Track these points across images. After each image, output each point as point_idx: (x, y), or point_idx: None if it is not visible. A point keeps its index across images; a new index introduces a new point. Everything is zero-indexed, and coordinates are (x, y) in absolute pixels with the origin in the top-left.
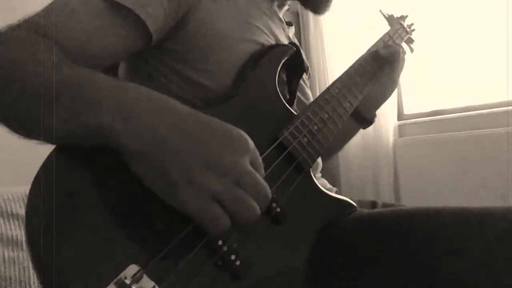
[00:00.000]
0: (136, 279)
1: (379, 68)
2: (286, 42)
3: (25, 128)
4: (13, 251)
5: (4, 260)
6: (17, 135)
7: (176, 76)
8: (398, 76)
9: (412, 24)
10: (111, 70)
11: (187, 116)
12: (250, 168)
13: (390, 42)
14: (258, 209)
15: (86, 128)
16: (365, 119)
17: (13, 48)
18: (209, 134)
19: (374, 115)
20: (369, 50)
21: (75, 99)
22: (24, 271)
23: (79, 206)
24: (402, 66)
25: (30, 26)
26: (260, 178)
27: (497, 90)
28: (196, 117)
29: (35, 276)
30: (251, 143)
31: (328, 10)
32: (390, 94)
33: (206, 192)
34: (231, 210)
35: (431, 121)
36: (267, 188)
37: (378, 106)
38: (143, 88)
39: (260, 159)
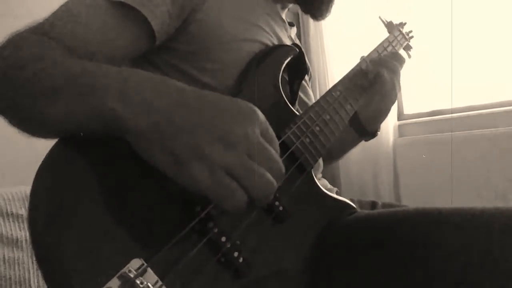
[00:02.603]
0: (140, 272)
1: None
2: (288, 42)
3: (31, 121)
4: (13, 251)
5: (4, 260)
6: (25, 132)
7: (179, 75)
8: (389, 95)
9: (410, 31)
10: None
11: (191, 92)
12: (261, 139)
13: (389, 48)
14: (273, 182)
15: (90, 114)
16: (366, 132)
17: (20, 47)
18: (215, 107)
19: (376, 129)
20: (369, 54)
21: (78, 87)
22: (24, 271)
23: (82, 200)
24: (392, 86)
25: (37, 30)
26: (271, 149)
27: (497, 90)
28: (200, 93)
29: (35, 276)
30: (260, 114)
31: (327, 16)
32: (385, 108)
33: (218, 166)
34: (246, 183)
35: (431, 121)
36: (280, 160)
37: (378, 119)
38: (145, 72)
39: (271, 130)
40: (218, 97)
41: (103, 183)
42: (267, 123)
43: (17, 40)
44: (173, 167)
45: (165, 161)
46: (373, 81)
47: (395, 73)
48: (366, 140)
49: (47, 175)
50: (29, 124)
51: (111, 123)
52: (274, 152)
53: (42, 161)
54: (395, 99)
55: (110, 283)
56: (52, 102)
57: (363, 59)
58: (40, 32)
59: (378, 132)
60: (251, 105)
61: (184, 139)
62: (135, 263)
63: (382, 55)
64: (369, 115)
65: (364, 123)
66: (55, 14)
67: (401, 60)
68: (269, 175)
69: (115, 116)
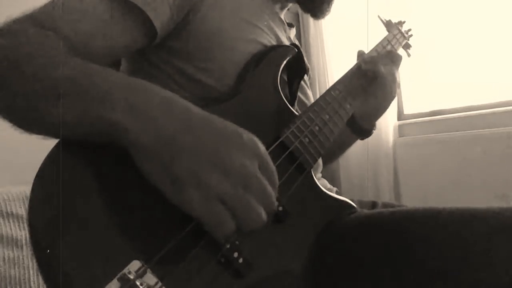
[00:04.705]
0: (139, 274)
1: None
2: (287, 43)
3: (30, 122)
4: (13, 251)
5: (4, 260)
6: (20, 129)
7: (178, 74)
8: (390, 90)
9: (409, 30)
10: (113, 68)
11: (198, 116)
12: (259, 173)
13: (389, 47)
14: (264, 216)
15: (94, 123)
16: (362, 130)
17: (18, 41)
18: (219, 135)
19: (372, 126)
20: (368, 53)
21: (84, 93)
22: (24, 271)
23: (82, 201)
24: (393, 80)
25: (35, 20)
26: (267, 184)
27: (497, 90)
28: (207, 118)
29: (35, 276)
30: (262, 147)
31: (327, 15)
32: (385, 105)
33: (213, 193)
34: (237, 214)
35: (431, 121)
36: (274, 196)
37: (375, 116)
38: (154, 86)
39: (272, 164)
40: (223, 124)
41: (102, 184)
42: (268, 156)
43: (14, 30)
44: (169, 187)
45: (162, 180)
46: (372, 79)
47: (392, 70)
48: (361, 139)
49: (47, 176)
50: (27, 123)
51: (114, 134)
52: (269, 186)
53: (43, 162)
54: (394, 97)
55: (110, 285)
56: (55, 105)
57: (361, 55)
58: (38, 24)
59: (374, 130)
60: (253, 137)
61: (184, 162)
62: (135, 265)
63: (379, 53)
64: (366, 112)
65: (359, 121)
66: (54, 4)
67: (397, 58)
68: (260, 209)
69: (119, 128)
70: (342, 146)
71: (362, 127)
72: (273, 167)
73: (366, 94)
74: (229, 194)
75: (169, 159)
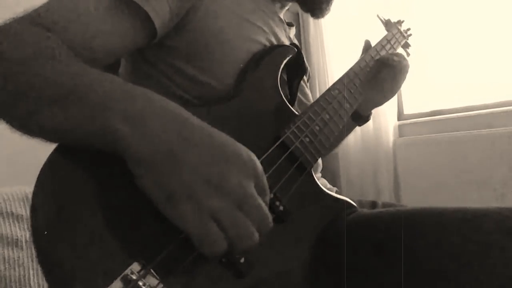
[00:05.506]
0: (141, 275)
1: (378, 71)
2: (287, 42)
3: (27, 126)
4: (13, 251)
5: (4, 260)
6: (19, 132)
7: (178, 74)
8: (398, 86)
9: (408, 29)
10: (112, 68)
11: (198, 129)
12: (254, 193)
13: (388, 46)
14: (256, 236)
15: (92, 130)
16: (361, 117)
17: (17, 42)
18: (217, 151)
19: (370, 113)
20: (368, 52)
21: (82, 100)
22: (24, 271)
23: (84, 204)
24: (403, 75)
25: (34, 20)
26: (263, 204)
27: (497, 90)
28: (207, 132)
29: (35, 276)
30: (259, 166)
31: (327, 14)
32: (386, 100)
33: (206, 210)
34: (229, 233)
35: (431, 121)
36: (269, 216)
37: (376, 105)
38: (153, 94)
39: (266, 185)
40: (222, 139)
41: (103, 186)
42: (264, 174)
43: (14, 31)
44: (162, 200)
45: (156, 193)
46: (387, 65)
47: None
48: (359, 125)
49: (49, 177)
50: (25, 127)
51: (112, 143)
52: (264, 206)
53: (44, 163)
54: (396, 93)
55: (112, 286)
56: (55, 111)
57: (367, 44)
58: (38, 24)
59: (371, 116)
60: (251, 154)
61: (180, 177)
62: (137, 266)
63: (379, 52)
64: (370, 101)
65: (359, 109)
66: (53, 4)
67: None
68: (253, 230)
69: (117, 137)
70: (341, 137)
71: (361, 114)
72: (267, 185)
73: (374, 83)
74: (223, 212)
75: (163, 171)
